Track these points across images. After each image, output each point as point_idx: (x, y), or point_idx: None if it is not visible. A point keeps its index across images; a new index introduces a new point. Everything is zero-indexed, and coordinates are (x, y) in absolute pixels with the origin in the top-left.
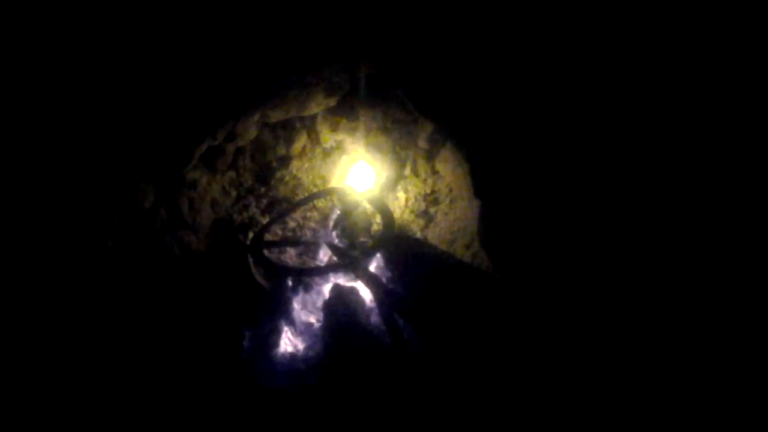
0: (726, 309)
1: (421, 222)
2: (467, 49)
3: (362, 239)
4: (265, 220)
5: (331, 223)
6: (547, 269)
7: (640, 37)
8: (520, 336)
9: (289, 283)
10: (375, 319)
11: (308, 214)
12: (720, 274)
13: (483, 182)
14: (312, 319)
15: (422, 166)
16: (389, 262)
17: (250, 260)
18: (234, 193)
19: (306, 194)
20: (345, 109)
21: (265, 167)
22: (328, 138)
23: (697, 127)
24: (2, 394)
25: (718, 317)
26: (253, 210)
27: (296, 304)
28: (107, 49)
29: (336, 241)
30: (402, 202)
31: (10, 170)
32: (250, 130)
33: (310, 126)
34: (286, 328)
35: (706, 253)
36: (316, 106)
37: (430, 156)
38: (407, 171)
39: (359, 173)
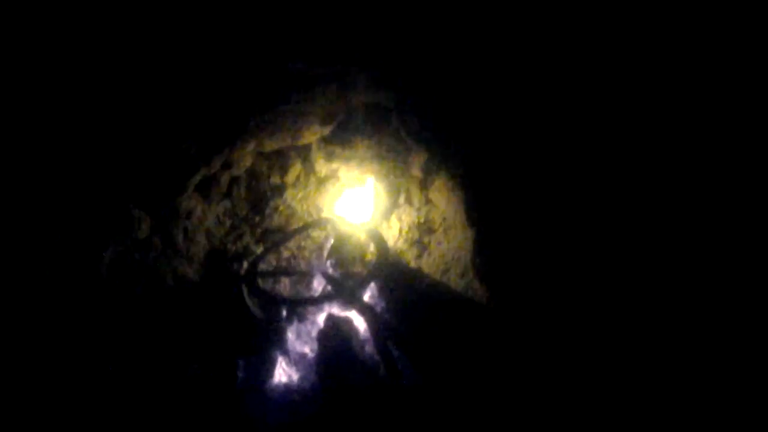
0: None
1: (415, 251)
2: (461, 78)
3: (356, 269)
4: (259, 250)
5: (326, 253)
6: (543, 298)
7: (638, 65)
8: (515, 366)
9: (284, 312)
10: (369, 349)
11: (302, 244)
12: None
13: (477, 211)
14: (306, 349)
15: (416, 195)
16: (384, 291)
17: (245, 290)
18: (228, 223)
19: (300, 223)
20: (339, 138)
21: (260, 196)
22: (322, 167)
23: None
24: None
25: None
26: (248, 239)
27: (290, 334)
28: (104, 76)
29: (330, 270)
30: (396, 231)
31: (4, 200)
32: (245, 159)
33: (304, 155)
34: (280, 358)
35: (707, 279)
36: (311, 134)
37: (424, 185)
38: (401, 200)
39: (353, 202)
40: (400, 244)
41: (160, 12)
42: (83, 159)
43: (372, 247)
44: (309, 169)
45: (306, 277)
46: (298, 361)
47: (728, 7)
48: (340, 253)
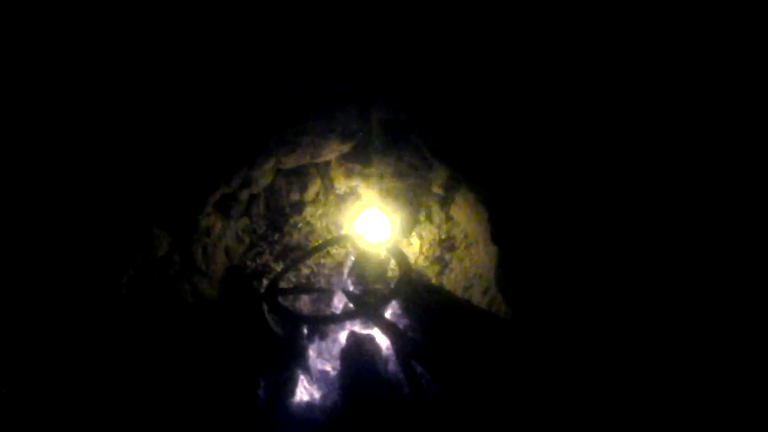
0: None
1: (437, 268)
2: (483, 93)
3: (378, 286)
4: (278, 267)
5: (346, 270)
6: (567, 316)
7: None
8: (539, 383)
9: (305, 330)
10: (392, 366)
11: (322, 261)
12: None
13: (501, 228)
14: (328, 368)
15: (437, 212)
16: (406, 308)
17: (265, 308)
18: (247, 240)
19: (319, 240)
20: (359, 155)
21: (279, 213)
22: (341, 184)
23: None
24: None
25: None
26: (267, 257)
27: (312, 352)
28: (125, 93)
29: (351, 288)
30: (417, 248)
31: (25, 218)
32: (264, 177)
33: (323, 172)
34: (301, 377)
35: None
36: (330, 152)
37: (445, 202)
38: (422, 217)
39: (373, 220)
40: (421, 261)
41: (183, 35)
42: (104, 178)
43: (393, 264)
44: (328, 186)
45: (326, 294)
46: (319, 379)
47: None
48: (361, 271)
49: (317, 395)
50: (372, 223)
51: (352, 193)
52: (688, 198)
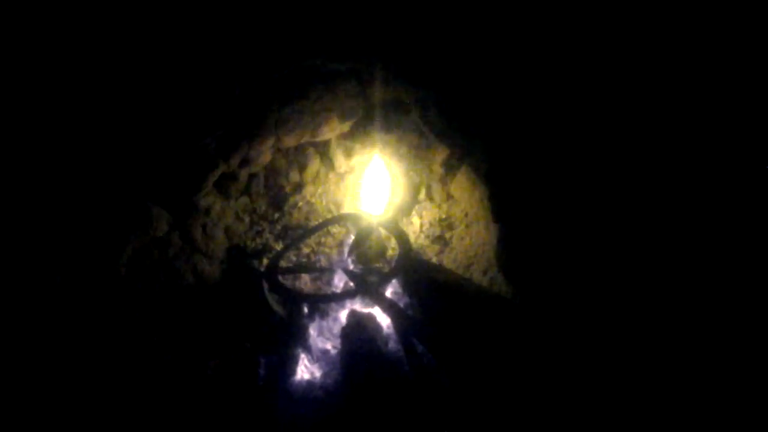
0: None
1: (437, 247)
2: (484, 71)
3: (378, 265)
4: (278, 246)
5: (346, 249)
6: (570, 294)
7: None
8: (541, 362)
9: (305, 309)
10: (393, 345)
11: (322, 240)
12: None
13: (502, 206)
14: (329, 346)
15: (437, 191)
16: (406, 287)
17: (265, 287)
18: (247, 219)
19: (320, 220)
20: (359, 134)
21: (279, 193)
22: (341, 163)
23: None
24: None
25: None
26: (267, 236)
27: (312, 331)
28: (121, 72)
29: (351, 266)
30: (417, 227)
31: (20, 198)
32: (263, 155)
33: (323, 151)
34: (302, 356)
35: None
36: (330, 130)
37: (446, 180)
38: (422, 195)
39: (374, 198)
40: (422, 240)
41: (180, 8)
42: (102, 156)
43: (393, 243)
44: (328, 165)
45: (327, 273)
46: (320, 357)
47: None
48: (361, 250)
49: (318, 374)
50: (372, 203)
51: (352, 172)
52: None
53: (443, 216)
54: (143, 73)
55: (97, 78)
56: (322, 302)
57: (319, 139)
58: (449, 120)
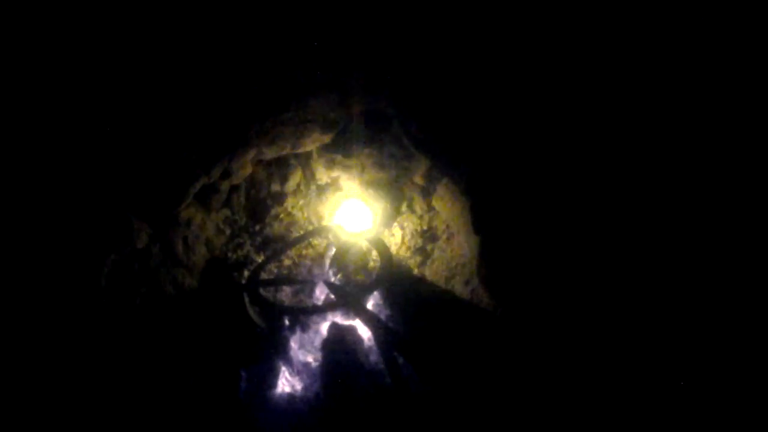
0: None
1: (418, 258)
2: (463, 84)
3: (359, 277)
4: (259, 259)
5: (328, 261)
6: (548, 305)
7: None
8: (521, 372)
9: (286, 322)
10: (374, 357)
11: (304, 252)
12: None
13: (482, 218)
14: (310, 359)
15: (418, 203)
16: (387, 299)
17: (246, 299)
18: (228, 231)
19: (301, 232)
20: (340, 146)
21: (260, 205)
22: (323, 175)
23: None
24: None
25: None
26: (248, 248)
27: (293, 344)
28: (105, 86)
29: (333, 279)
30: (398, 239)
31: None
32: (245, 167)
33: (304, 163)
34: (283, 368)
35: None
36: (311, 142)
37: (427, 192)
38: (403, 208)
39: (355, 211)
40: (403, 252)
41: (161, 21)
42: (83, 168)
43: (375, 255)
44: (309, 176)
45: (308, 285)
46: (301, 370)
47: (728, 7)
48: (343, 262)
49: (299, 386)
50: (353, 214)
51: (334, 184)
52: (672, 190)
53: (425, 227)
54: (122, 86)
55: (77, 90)
56: (304, 315)
57: (300, 150)
58: (430, 132)
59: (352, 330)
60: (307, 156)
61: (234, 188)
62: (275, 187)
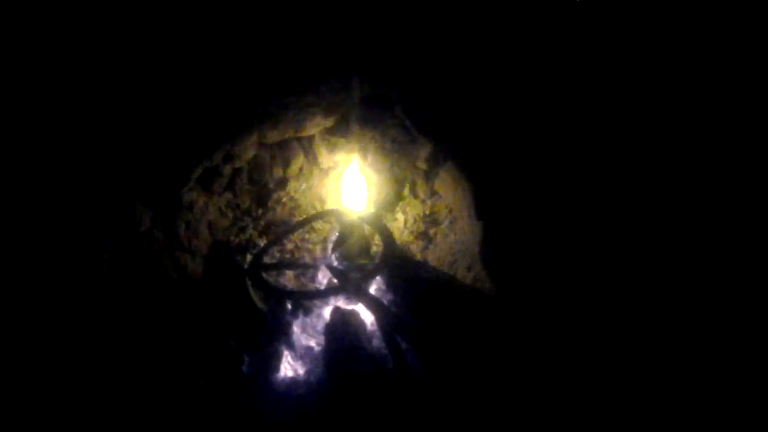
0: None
1: (421, 243)
2: (467, 67)
3: (362, 261)
4: (262, 242)
5: (330, 245)
6: (553, 291)
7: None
8: (524, 359)
9: (289, 306)
10: (377, 342)
11: (306, 236)
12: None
13: (485, 203)
14: (312, 343)
15: (421, 187)
16: (390, 284)
17: (249, 283)
18: (231, 215)
19: (304, 215)
20: (342, 130)
21: (263, 188)
22: (325, 158)
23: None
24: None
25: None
26: (251, 232)
27: (296, 328)
28: (104, 69)
29: (335, 263)
30: (401, 224)
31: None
32: (247, 151)
33: (307, 146)
34: (286, 352)
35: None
36: (314, 126)
37: (429, 177)
38: (406, 192)
39: (357, 195)
40: (406, 236)
41: (166, 4)
42: (84, 151)
43: (377, 240)
44: (312, 160)
45: (310, 269)
46: (304, 354)
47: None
48: (345, 246)
49: (301, 371)
50: (356, 198)
51: (336, 167)
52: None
53: (427, 212)
54: (125, 72)
55: (78, 77)
56: (306, 299)
57: (302, 134)
58: (433, 115)
59: (354, 314)
60: (310, 140)
61: (237, 172)
62: (278, 170)
